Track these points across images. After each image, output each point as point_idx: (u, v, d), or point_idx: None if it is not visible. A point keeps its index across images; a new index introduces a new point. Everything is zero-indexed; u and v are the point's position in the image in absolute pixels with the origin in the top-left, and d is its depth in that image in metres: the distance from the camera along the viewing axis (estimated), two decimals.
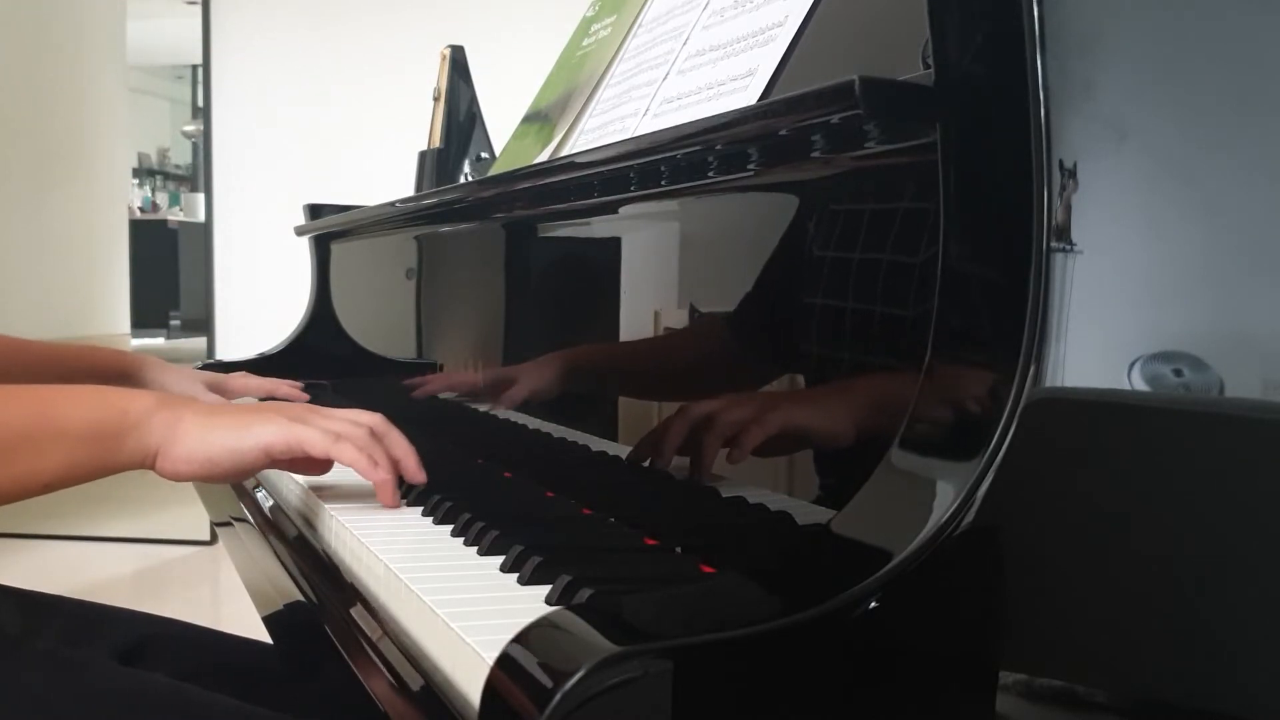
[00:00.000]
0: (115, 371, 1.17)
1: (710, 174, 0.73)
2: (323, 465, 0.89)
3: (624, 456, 0.83)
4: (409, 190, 1.79)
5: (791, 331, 0.68)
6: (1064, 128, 0.47)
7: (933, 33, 0.51)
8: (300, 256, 1.66)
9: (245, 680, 0.96)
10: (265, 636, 0.93)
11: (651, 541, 0.74)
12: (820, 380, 0.65)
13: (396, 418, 0.89)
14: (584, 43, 1.23)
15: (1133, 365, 0.48)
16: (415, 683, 0.57)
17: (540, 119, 1.25)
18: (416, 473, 0.86)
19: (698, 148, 0.70)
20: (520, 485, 0.96)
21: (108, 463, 0.78)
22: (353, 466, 0.83)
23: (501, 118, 1.60)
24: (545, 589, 0.61)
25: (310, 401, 1.22)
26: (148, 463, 0.79)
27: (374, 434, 0.85)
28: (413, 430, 0.89)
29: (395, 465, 0.86)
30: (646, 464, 0.79)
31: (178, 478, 0.82)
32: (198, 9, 3.52)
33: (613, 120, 0.99)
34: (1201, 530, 0.49)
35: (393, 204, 1.26)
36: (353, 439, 0.83)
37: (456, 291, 1.23)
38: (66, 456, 0.75)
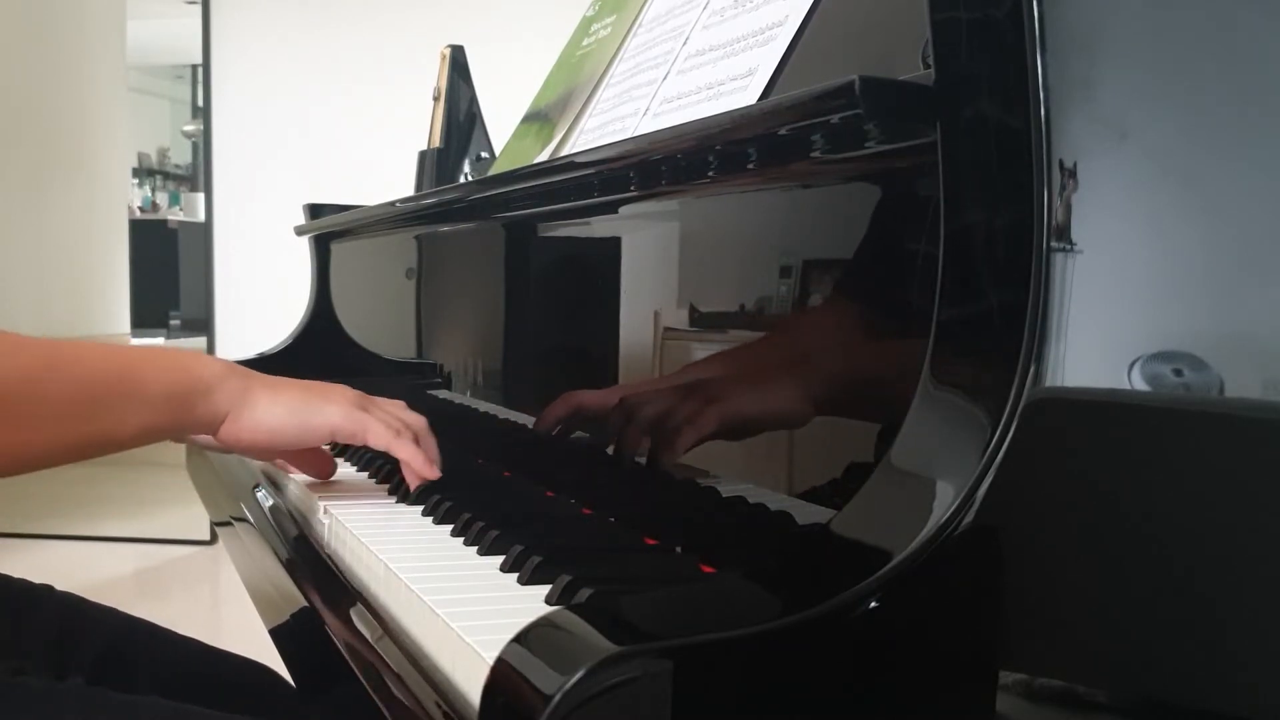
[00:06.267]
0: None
1: (710, 174, 0.73)
2: (329, 470, 0.90)
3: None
4: (409, 190, 1.79)
5: (792, 331, 0.68)
6: (1064, 128, 0.47)
7: (933, 32, 0.51)
8: (300, 256, 1.65)
9: (226, 697, 0.95)
10: (267, 641, 0.92)
11: (651, 541, 0.74)
12: (820, 379, 0.65)
13: None
14: (584, 42, 1.23)
15: (1133, 365, 0.47)
16: (415, 683, 0.57)
17: (540, 119, 1.25)
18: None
19: (698, 148, 0.70)
20: (520, 485, 0.96)
21: (180, 425, 0.78)
22: (409, 462, 0.85)
23: (501, 118, 1.60)
24: (545, 589, 0.61)
25: None
26: (214, 427, 0.80)
27: (417, 434, 0.88)
28: None
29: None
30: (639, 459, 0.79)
31: (239, 444, 0.83)
32: (198, 9, 3.52)
33: (613, 120, 0.99)
34: (1201, 530, 0.49)
35: (393, 204, 1.26)
36: (408, 433, 0.86)
37: (456, 291, 1.23)
38: (145, 417, 0.75)
